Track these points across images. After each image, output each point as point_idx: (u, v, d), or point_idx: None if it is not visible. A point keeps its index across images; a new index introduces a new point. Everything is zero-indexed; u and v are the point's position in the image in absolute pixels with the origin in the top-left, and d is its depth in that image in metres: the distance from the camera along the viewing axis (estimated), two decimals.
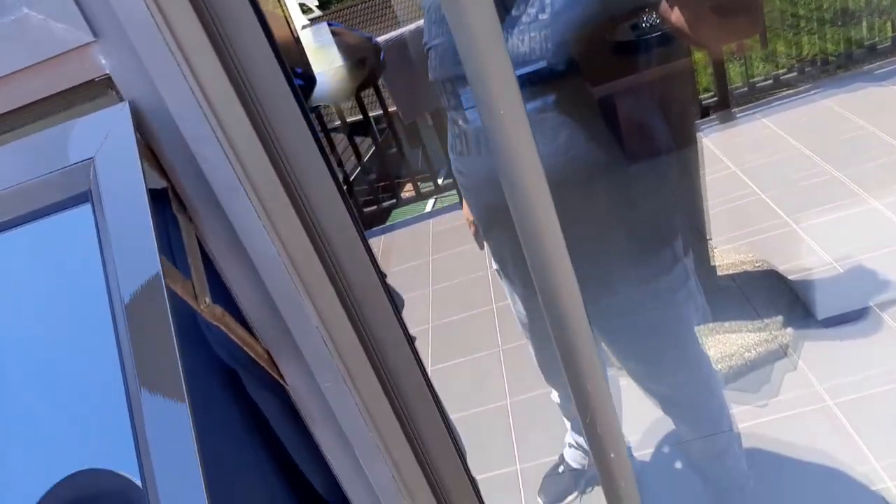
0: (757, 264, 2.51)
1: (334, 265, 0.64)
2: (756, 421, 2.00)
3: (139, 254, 0.50)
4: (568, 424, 2.03)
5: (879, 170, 2.77)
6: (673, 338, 1.49)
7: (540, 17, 1.14)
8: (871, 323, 2.16)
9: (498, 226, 1.44)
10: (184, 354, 0.47)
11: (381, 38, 2.55)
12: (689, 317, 1.46)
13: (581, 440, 2.01)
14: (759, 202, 2.84)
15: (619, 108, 1.27)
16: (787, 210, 2.73)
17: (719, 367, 2.14)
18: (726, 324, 2.29)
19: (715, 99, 3.60)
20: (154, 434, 0.45)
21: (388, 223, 4.06)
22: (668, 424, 1.76)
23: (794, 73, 3.74)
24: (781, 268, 2.46)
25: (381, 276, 0.67)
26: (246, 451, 0.68)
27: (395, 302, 0.66)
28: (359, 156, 4.72)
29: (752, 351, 2.16)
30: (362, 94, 3.86)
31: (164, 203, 0.58)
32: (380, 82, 3.66)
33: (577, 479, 2.04)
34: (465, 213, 1.64)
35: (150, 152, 0.57)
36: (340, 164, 5.49)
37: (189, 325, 0.62)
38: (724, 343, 2.21)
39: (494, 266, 1.65)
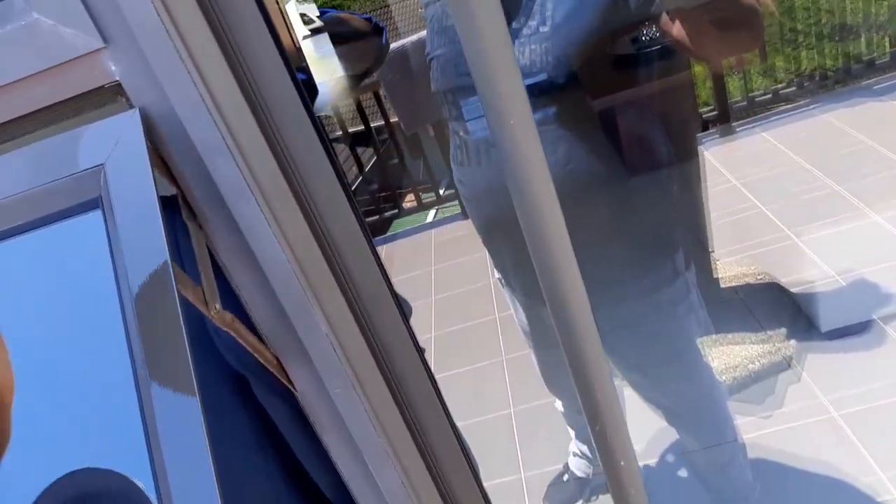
0: (759, 277, 2.51)
1: (343, 272, 0.64)
2: (760, 432, 1.99)
3: (150, 260, 0.50)
4: (572, 433, 2.03)
5: (879, 184, 2.78)
6: (674, 350, 1.49)
7: (541, 29, 1.15)
8: (875, 336, 2.16)
9: (499, 235, 1.44)
10: (194, 360, 0.47)
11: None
12: (690, 329, 1.46)
13: (585, 449, 2.00)
14: (760, 215, 2.85)
15: (620, 120, 1.28)
16: (789, 223, 2.74)
17: (723, 378, 2.13)
18: (730, 335, 2.29)
19: (714, 113, 3.61)
20: (166, 435, 0.44)
21: (388, 233, 4.06)
22: (672, 435, 1.76)
23: (793, 88, 3.76)
24: (784, 280, 2.47)
25: (388, 281, 0.67)
26: (255, 456, 0.68)
27: (403, 309, 0.66)
28: (360, 166, 4.73)
29: (756, 363, 2.16)
30: (364, 105, 3.87)
31: (174, 210, 0.58)
32: (381, 92, 3.67)
33: (582, 488, 2.03)
34: None
35: (160, 159, 0.57)
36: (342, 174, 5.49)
37: (198, 332, 0.62)
38: (728, 354, 2.21)
39: (497, 275, 1.66)
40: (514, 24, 1.17)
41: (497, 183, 1.30)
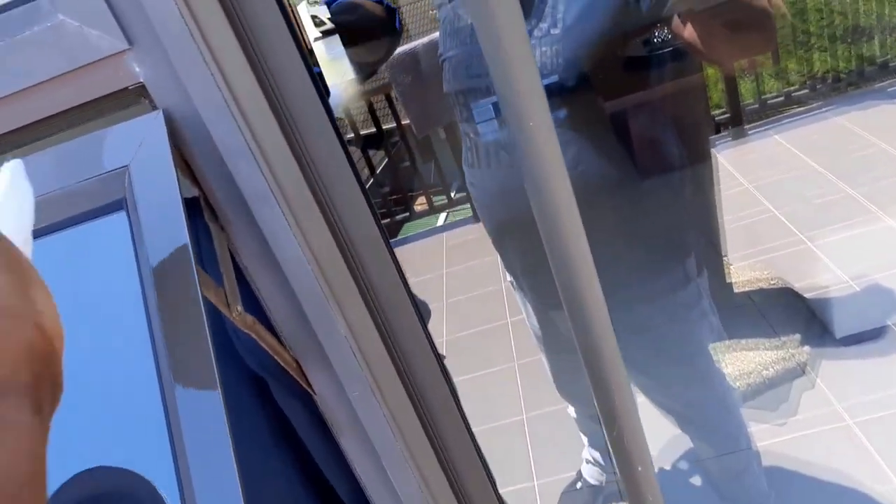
0: (773, 282, 2.50)
1: (362, 276, 0.64)
2: (775, 439, 1.98)
3: (174, 260, 0.50)
4: (585, 440, 2.02)
5: (893, 187, 2.76)
6: (685, 356, 1.48)
7: (552, 31, 1.15)
8: (890, 342, 2.14)
9: (509, 238, 1.44)
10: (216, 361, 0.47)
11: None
12: (701, 335, 1.45)
13: (598, 456, 1.99)
14: (773, 219, 2.83)
15: (632, 123, 1.27)
16: (802, 227, 2.72)
17: (737, 384, 2.12)
18: (743, 341, 2.27)
19: (727, 115, 3.60)
20: (189, 432, 0.45)
21: (399, 236, 4.06)
22: (686, 442, 1.74)
23: (806, 91, 3.74)
24: (797, 285, 2.45)
25: (407, 285, 0.67)
26: (273, 458, 0.68)
27: (421, 311, 0.66)
28: (372, 169, 4.74)
29: (770, 369, 2.15)
30: (375, 107, 3.88)
31: (196, 211, 0.58)
32: (393, 95, 3.67)
33: (596, 496, 2.02)
34: None
35: (183, 161, 0.57)
36: None
37: (218, 334, 0.62)
38: (742, 360, 2.19)
39: (509, 278, 1.65)
40: (525, 27, 1.17)
41: (507, 185, 1.30)
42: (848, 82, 3.84)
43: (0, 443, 0.27)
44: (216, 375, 0.46)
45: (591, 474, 2.02)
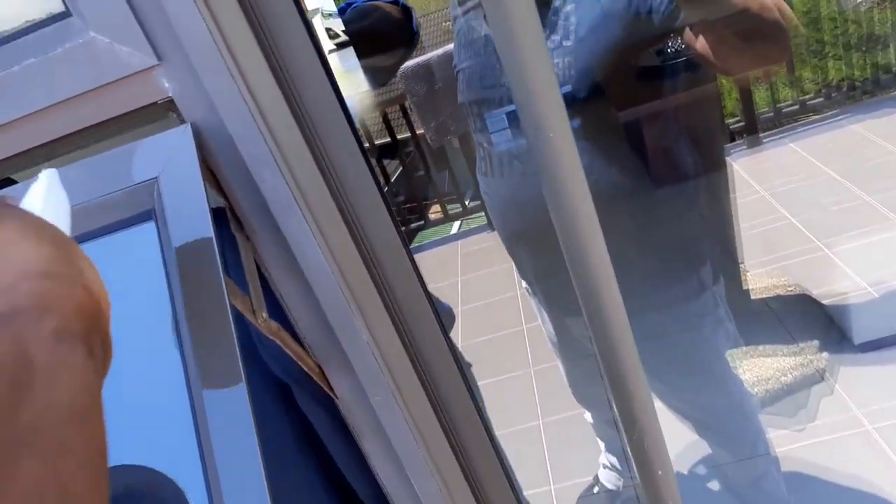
0: (790, 288, 2.49)
1: (384, 284, 0.65)
2: (794, 445, 1.97)
3: (202, 269, 0.51)
4: (602, 445, 2.02)
5: None
6: (701, 362, 1.48)
7: (564, 43, 1.16)
8: None
9: (523, 245, 1.45)
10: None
11: (408, 63, 2.57)
12: (717, 342, 1.45)
13: (615, 461, 1.99)
14: (789, 226, 2.82)
15: (646, 133, 1.28)
16: (819, 234, 2.71)
17: (755, 390, 2.11)
18: (761, 347, 2.27)
19: (741, 124, 3.59)
20: (217, 437, 0.46)
21: (414, 245, 4.08)
22: (704, 447, 1.74)
23: (821, 99, 3.72)
24: (815, 292, 2.44)
25: (427, 292, 0.68)
26: (296, 462, 0.69)
27: (443, 316, 0.67)
28: (387, 178, 4.77)
29: (789, 375, 2.14)
30: (390, 117, 3.91)
31: (222, 221, 0.59)
32: (408, 105, 3.70)
33: (613, 501, 2.02)
34: None
35: (210, 172, 0.59)
36: None
37: (244, 341, 0.63)
38: (760, 367, 2.19)
39: (524, 285, 1.66)
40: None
41: (520, 194, 1.31)
42: (863, 90, 3.82)
43: (60, 380, 0.30)
44: (243, 380, 0.47)
45: (609, 479, 2.02)
